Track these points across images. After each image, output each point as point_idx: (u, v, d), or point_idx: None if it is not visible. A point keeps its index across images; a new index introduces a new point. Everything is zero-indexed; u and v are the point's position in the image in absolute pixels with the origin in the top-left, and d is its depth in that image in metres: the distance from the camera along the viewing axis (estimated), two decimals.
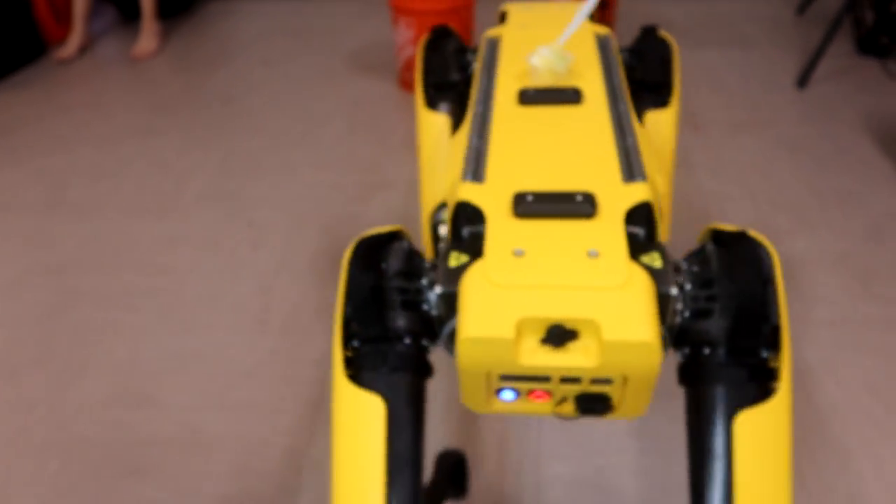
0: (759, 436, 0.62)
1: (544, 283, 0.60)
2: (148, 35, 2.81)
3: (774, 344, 0.63)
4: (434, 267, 0.68)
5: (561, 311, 0.58)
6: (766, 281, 0.64)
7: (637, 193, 0.69)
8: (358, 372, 0.66)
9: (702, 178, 1.77)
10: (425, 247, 1.05)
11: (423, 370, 0.67)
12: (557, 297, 0.59)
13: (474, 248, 0.67)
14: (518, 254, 0.63)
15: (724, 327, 0.63)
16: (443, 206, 0.97)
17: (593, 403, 0.65)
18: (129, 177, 1.97)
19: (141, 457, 1.16)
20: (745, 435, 0.62)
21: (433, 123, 1.07)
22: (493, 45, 1.01)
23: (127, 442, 1.19)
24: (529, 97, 0.87)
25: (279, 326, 1.40)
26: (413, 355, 0.67)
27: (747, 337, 0.63)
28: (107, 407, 1.26)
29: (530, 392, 0.66)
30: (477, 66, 1.02)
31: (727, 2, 2.94)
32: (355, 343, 0.66)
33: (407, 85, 2.34)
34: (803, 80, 2.21)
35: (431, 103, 1.07)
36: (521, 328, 0.58)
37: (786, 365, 0.63)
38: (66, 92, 2.57)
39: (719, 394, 0.62)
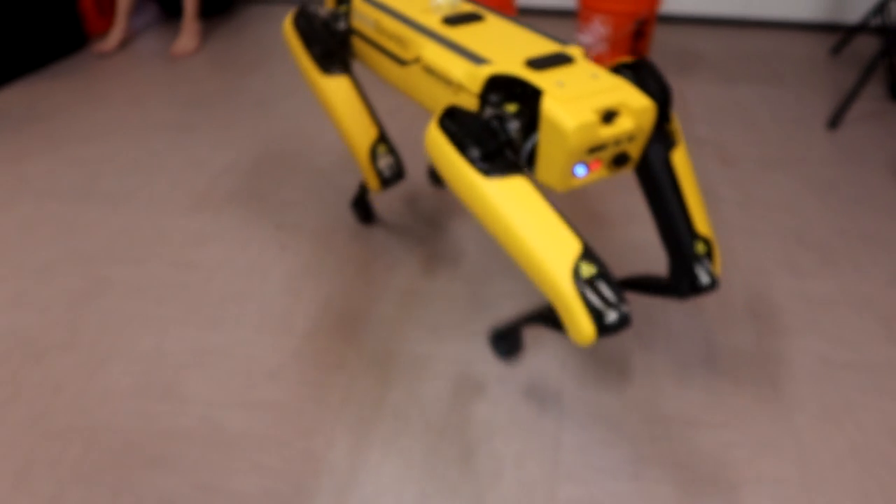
0: (683, 165, 1.10)
1: (591, 92, 0.98)
2: (188, 34, 2.87)
3: (669, 116, 1.08)
4: (495, 120, 1.04)
5: (610, 101, 0.97)
6: (663, 79, 1.05)
7: (577, 49, 1.11)
8: (490, 169, 0.98)
9: (729, 211, 1.78)
10: (367, 177, 1.46)
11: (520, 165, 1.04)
12: (604, 96, 0.97)
13: (517, 97, 1.05)
14: (560, 84, 0.99)
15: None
16: (378, 141, 1.44)
17: (622, 159, 1.02)
18: (162, 171, 2.01)
19: (162, 448, 1.18)
20: (679, 164, 1.09)
21: (339, 85, 1.42)
22: (375, 3, 1.34)
23: (149, 432, 1.21)
24: (453, 21, 1.23)
25: (303, 330, 1.42)
26: (514, 160, 1.03)
27: (663, 114, 1.06)
28: (131, 396, 1.28)
29: (591, 164, 1.00)
30: (384, 20, 1.31)
31: (761, 38, 2.95)
32: (481, 162, 0.99)
33: None
34: (835, 122, 2.21)
35: (327, 70, 1.41)
36: (597, 118, 0.94)
37: (678, 125, 1.09)
38: (105, 84, 2.62)
39: (657, 147, 1.08)
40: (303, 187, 1.90)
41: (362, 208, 1.72)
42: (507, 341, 1.21)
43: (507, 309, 1.47)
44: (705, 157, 2.04)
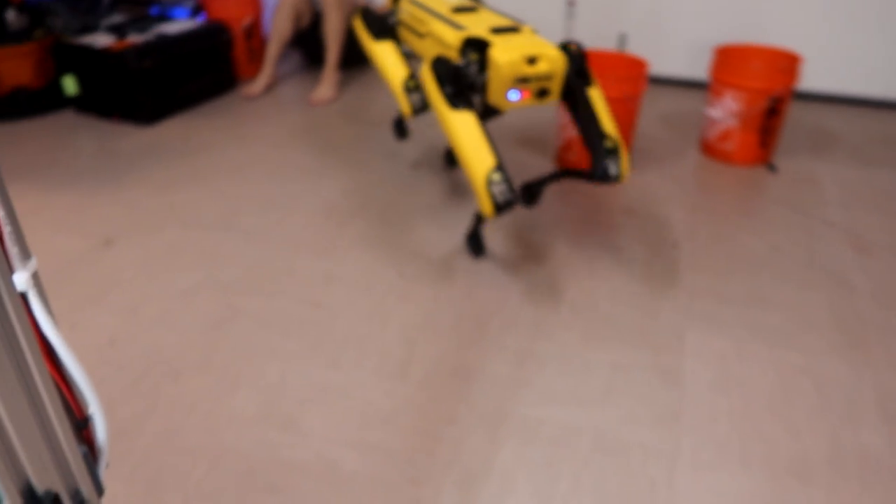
0: (596, 95, 1.74)
1: (523, 46, 1.66)
2: (328, 84, 3.06)
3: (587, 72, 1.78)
4: (466, 65, 1.72)
5: (533, 51, 1.64)
6: (582, 51, 1.76)
7: (528, 28, 1.79)
8: (456, 105, 1.65)
9: (863, 303, 1.70)
10: (401, 103, 2.00)
11: (473, 106, 1.69)
12: (530, 49, 1.65)
13: (479, 49, 1.70)
14: (506, 41, 1.67)
15: (576, 67, 1.74)
16: (410, 78, 2.00)
17: (544, 93, 1.69)
18: (295, 211, 2.13)
19: (280, 477, 1.24)
20: (594, 96, 1.73)
21: (387, 49, 2.10)
22: (414, 2, 2.08)
23: (269, 460, 1.27)
24: (457, 9, 1.95)
25: (418, 379, 1.46)
26: (471, 99, 1.70)
27: (582, 71, 1.76)
28: (254, 423, 1.35)
29: (522, 92, 1.66)
30: (415, 11, 2.04)
31: None
32: (451, 94, 1.67)
33: (563, 163, 2.41)
34: None
35: (378, 38, 2.12)
36: (522, 60, 1.63)
37: (595, 78, 1.83)
38: (249, 125, 2.82)
39: (580, 86, 1.73)
40: (427, 239, 1.97)
41: (475, 242, 1.93)
42: (473, 242, 1.89)
43: (619, 386, 1.46)
44: (837, 242, 1.96)
